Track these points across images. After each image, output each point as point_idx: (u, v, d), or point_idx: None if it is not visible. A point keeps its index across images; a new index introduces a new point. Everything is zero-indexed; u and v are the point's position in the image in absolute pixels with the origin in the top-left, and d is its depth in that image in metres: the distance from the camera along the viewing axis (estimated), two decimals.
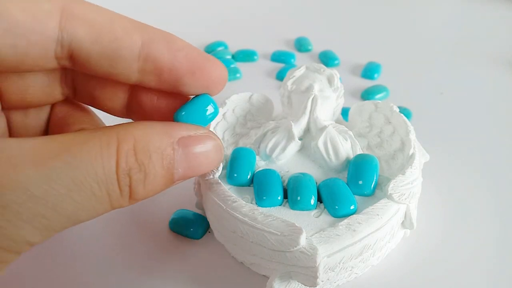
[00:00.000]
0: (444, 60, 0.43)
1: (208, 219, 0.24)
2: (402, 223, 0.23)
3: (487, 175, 0.29)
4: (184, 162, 0.17)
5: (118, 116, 0.20)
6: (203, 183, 0.23)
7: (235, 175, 0.23)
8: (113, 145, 0.15)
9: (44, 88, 0.19)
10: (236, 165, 0.23)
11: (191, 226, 0.25)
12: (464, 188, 0.28)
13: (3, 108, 0.19)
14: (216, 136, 0.18)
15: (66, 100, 0.21)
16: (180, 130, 0.17)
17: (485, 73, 0.40)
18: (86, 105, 0.21)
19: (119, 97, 0.20)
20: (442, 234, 0.25)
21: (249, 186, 0.23)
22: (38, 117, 0.20)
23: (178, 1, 0.54)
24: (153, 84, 0.18)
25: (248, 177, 0.23)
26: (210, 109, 0.18)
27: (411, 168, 0.22)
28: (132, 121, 0.20)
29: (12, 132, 0.20)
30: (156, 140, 0.16)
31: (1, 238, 0.14)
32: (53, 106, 0.20)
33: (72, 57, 0.17)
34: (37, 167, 0.14)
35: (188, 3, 0.54)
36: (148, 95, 0.19)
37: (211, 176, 0.22)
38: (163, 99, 0.19)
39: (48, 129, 0.20)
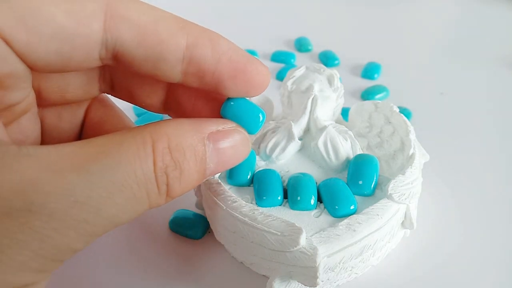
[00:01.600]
0: (444, 60, 0.43)
1: (208, 219, 0.24)
2: (402, 223, 0.23)
3: (487, 175, 0.29)
4: (215, 157, 0.17)
5: (155, 112, 0.21)
6: (203, 183, 0.23)
7: (235, 175, 0.23)
8: (148, 145, 0.15)
9: (83, 86, 0.19)
10: (236, 165, 0.23)
11: (191, 226, 0.25)
12: (464, 188, 0.28)
13: (40, 106, 0.19)
14: (243, 129, 0.18)
15: (101, 103, 0.21)
16: (209, 125, 0.17)
17: (485, 73, 0.40)
18: (119, 109, 0.21)
19: (157, 94, 0.20)
20: (442, 234, 0.25)
21: (249, 186, 0.23)
22: (72, 121, 0.20)
23: (178, 1, 0.54)
24: (195, 85, 0.18)
25: (248, 177, 0.23)
26: (259, 118, 0.18)
27: (411, 168, 0.22)
28: (168, 117, 0.20)
29: (45, 136, 0.19)
30: (188, 136, 0.16)
31: (47, 247, 0.13)
32: (87, 111, 0.20)
33: (116, 57, 0.17)
34: (78, 172, 0.14)
35: (188, 3, 0.54)
36: (186, 93, 0.19)
37: (211, 176, 0.22)
38: (201, 96, 0.19)
39: (81, 134, 0.20)
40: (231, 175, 0.23)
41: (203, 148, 0.16)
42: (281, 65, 0.42)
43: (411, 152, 0.23)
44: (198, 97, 0.19)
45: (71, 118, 0.20)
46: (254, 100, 0.28)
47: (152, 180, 0.15)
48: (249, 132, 0.18)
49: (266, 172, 0.23)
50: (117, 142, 0.15)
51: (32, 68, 0.16)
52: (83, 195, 0.14)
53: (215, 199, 0.22)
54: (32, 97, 0.18)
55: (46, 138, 0.20)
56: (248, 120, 0.18)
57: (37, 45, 0.15)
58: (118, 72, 0.19)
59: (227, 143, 0.17)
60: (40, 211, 0.13)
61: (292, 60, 0.42)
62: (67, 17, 0.15)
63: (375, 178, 0.22)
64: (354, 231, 0.20)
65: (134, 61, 0.17)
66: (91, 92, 0.20)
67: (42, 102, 0.19)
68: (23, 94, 0.17)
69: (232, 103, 0.18)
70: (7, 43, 0.15)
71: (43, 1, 0.15)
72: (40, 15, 0.15)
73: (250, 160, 0.23)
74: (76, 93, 0.19)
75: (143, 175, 0.15)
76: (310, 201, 0.22)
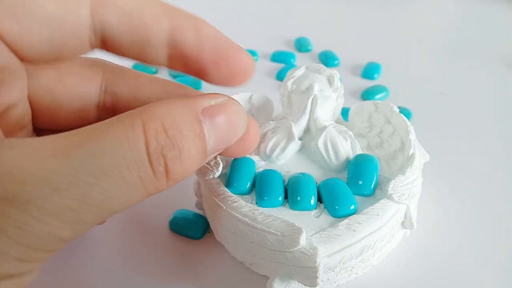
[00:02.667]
0: (444, 60, 0.43)
1: (208, 219, 0.24)
2: (402, 223, 0.23)
3: (487, 175, 0.29)
4: (213, 133, 0.16)
5: None
6: (203, 183, 0.23)
7: (235, 184, 0.23)
8: (138, 126, 0.15)
9: (77, 113, 0.19)
10: (235, 175, 0.23)
11: (191, 226, 0.25)
12: (464, 188, 0.28)
13: (37, 128, 0.19)
14: (236, 100, 0.18)
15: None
16: (201, 101, 0.16)
17: (485, 73, 0.40)
18: None
19: None
20: (442, 234, 0.25)
21: (248, 194, 0.23)
22: None
23: (178, 2, 0.54)
24: (180, 70, 0.18)
25: (247, 186, 0.23)
26: None
27: (411, 168, 0.22)
28: None
29: None
30: (182, 114, 0.15)
31: (26, 235, 0.13)
32: None
33: (105, 42, 0.17)
34: (59, 159, 0.13)
35: (188, 4, 0.54)
36: None
37: (211, 176, 0.22)
38: None
39: None
40: (230, 183, 0.23)
41: (200, 125, 0.16)
42: (281, 65, 0.41)
43: (411, 152, 0.23)
44: None
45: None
46: (255, 100, 0.28)
47: (145, 163, 0.14)
48: None
49: (269, 173, 0.23)
50: (103, 127, 0.14)
51: (26, 60, 0.16)
52: (64, 181, 0.13)
53: (215, 199, 0.22)
54: (27, 108, 0.17)
55: None
56: None
57: (29, 35, 0.15)
58: (121, 98, 0.19)
59: (223, 117, 0.17)
60: (16, 199, 0.13)
61: (292, 60, 0.42)
62: (55, 5, 0.15)
63: (375, 178, 0.22)
64: (354, 231, 0.20)
65: (121, 46, 0.17)
66: (87, 120, 0.19)
67: (36, 123, 0.18)
68: (18, 95, 0.16)
69: None
70: None
71: None
72: (30, 5, 0.15)
73: (249, 170, 0.23)
74: (69, 118, 0.19)
75: (133, 158, 0.14)
76: (310, 201, 0.22)
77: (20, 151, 0.13)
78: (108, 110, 0.19)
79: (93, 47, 0.17)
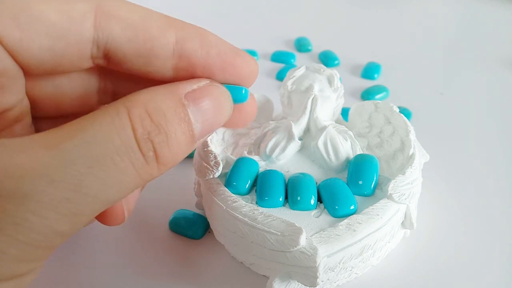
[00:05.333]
0: (444, 60, 0.43)
1: (208, 219, 0.24)
2: (402, 223, 0.23)
3: (487, 175, 0.29)
4: (199, 116, 0.16)
5: None
6: (203, 183, 0.23)
7: (235, 184, 0.23)
8: (123, 113, 0.15)
9: (80, 98, 0.19)
10: (235, 175, 0.23)
11: (191, 226, 0.25)
12: (464, 188, 0.28)
13: (34, 116, 0.19)
14: (219, 83, 0.18)
15: None
16: (184, 86, 0.17)
17: (485, 73, 0.40)
18: None
19: None
20: (442, 234, 0.25)
21: (247, 195, 0.23)
22: None
23: (177, 2, 0.54)
24: (186, 79, 0.18)
25: (247, 186, 0.23)
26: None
27: (411, 168, 0.22)
28: None
29: None
30: (165, 99, 0.16)
31: (26, 232, 0.13)
32: None
33: (107, 56, 0.17)
34: (51, 151, 0.13)
35: (188, 4, 0.54)
36: None
37: (211, 176, 0.22)
38: None
39: None
40: (230, 183, 0.23)
41: (184, 109, 0.16)
42: (281, 65, 0.42)
43: (411, 152, 0.23)
44: None
45: None
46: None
47: (135, 148, 0.15)
48: (240, 100, 0.18)
49: (271, 173, 0.23)
50: (90, 118, 0.15)
51: (25, 67, 0.16)
52: (58, 173, 0.13)
53: (215, 199, 0.22)
54: (26, 105, 0.17)
55: None
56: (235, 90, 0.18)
57: (30, 42, 0.15)
58: (121, 83, 0.19)
59: (207, 99, 0.17)
60: (12, 194, 0.13)
61: (292, 60, 0.42)
62: (59, 15, 0.15)
63: (375, 178, 0.22)
64: (354, 231, 0.20)
65: (125, 58, 0.17)
66: (89, 105, 0.19)
67: (37, 113, 0.18)
68: (15, 98, 0.16)
69: None
70: None
71: (34, 0, 0.15)
72: (33, 14, 0.15)
73: (249, 170, 0.23)
74: (72, 105, 0.19)
75: (122, 144, 0.14)
76: (310, 201, 0.22)
77: (12, 149, 0.13)
78: (109, 94, 0.19)
79: (94, 60, 0.17)
